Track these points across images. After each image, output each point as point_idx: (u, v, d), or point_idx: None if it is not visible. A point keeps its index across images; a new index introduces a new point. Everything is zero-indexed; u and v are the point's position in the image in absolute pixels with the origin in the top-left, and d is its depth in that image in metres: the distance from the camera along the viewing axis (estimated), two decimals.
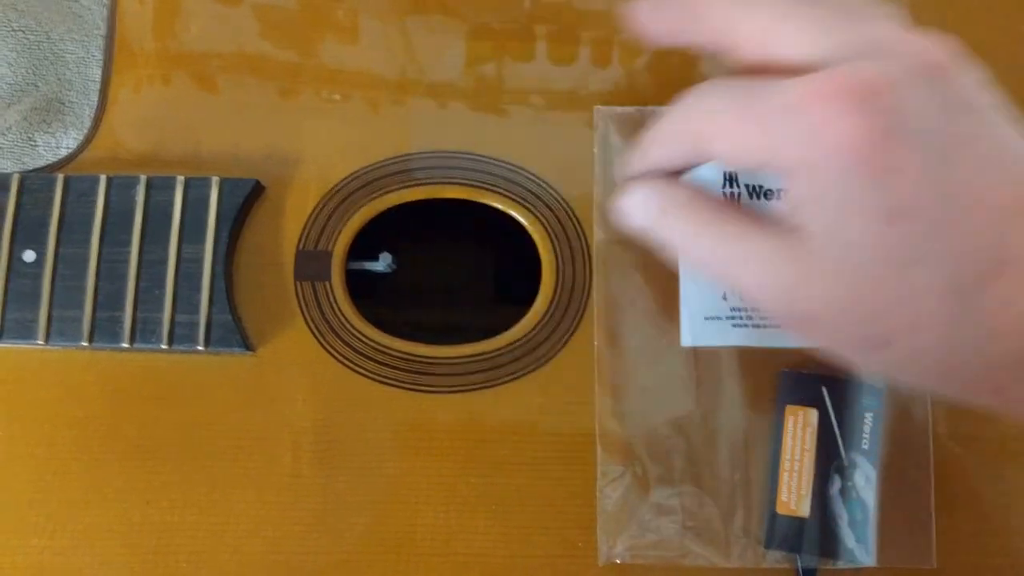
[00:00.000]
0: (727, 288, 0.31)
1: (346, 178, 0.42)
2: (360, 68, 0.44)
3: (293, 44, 0.44)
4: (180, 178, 0.40)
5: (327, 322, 0.40)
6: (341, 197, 0.42)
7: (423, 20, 0.45)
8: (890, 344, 0.27)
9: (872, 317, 0.26)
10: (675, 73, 0.44)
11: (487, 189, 0.42)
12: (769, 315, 0.29)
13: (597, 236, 0.41)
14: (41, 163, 0.55)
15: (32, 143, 0.55)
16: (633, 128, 0.42)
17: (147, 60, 0.44)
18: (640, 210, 0.31)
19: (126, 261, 0.40)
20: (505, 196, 0.42)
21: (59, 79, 0.57)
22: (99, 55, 0.57)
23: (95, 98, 0.57)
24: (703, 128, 0.29)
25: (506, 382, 0.40)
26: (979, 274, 0.25)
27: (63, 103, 0.56)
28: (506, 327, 0.41)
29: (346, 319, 0.40)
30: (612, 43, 0.45)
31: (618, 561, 0.38)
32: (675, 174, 0.31)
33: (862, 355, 0.28)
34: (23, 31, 0.57)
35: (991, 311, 0.25)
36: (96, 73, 0.57)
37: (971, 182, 0.25)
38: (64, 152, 0.55)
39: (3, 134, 0.55)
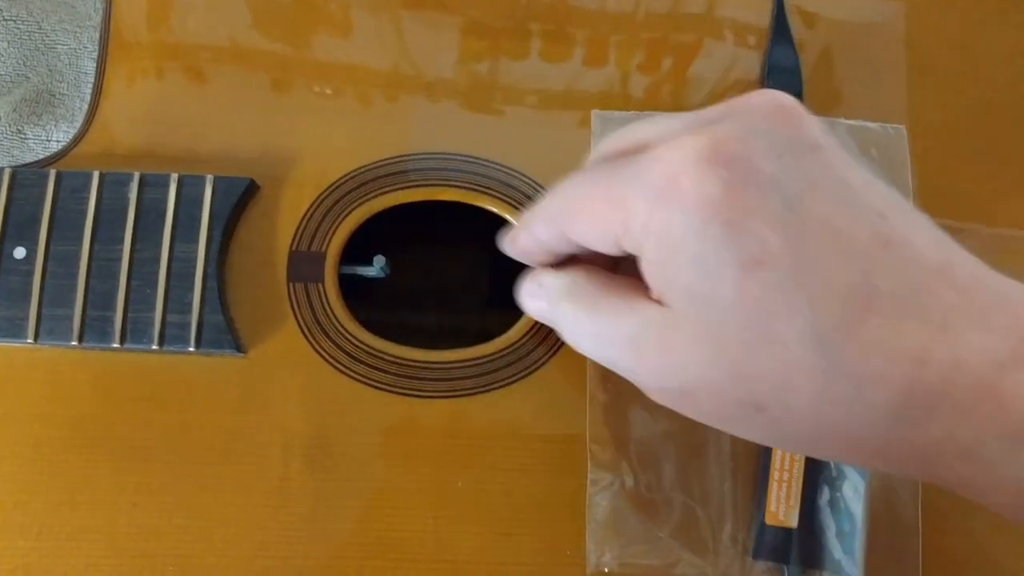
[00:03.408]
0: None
1: (341, 179, 0.42)
2: (357, 68, 0.44)
3: (290, 41, 0.44)
4: (174, 176, 0.40)
5: (319, 324, 0.40)
6: (336, 198, 0.42)
7: (420, 18, 0.44)
8: (764, 408, 0.25)
9: (741, 379, 0.25)
10: (670, 73, 0.44)
11: (483, 192, 0.42)
12: (650, 395, 0.29)
13: None
14: (31, 156, 0.54)
15: (22, 136, 0.55)
16: None
17: (142, 54, 0.44)
18: (530, 304, 0.32)
19: (118, 259, 0.39)
20: (501, 200, 0.42)
21: (50, 70, 0.56)
22: (91, 46, 0.56)
23: (86, 90, 0.56)
24: (565, 209, 0.29)
25: (498, 388, 0.40)
26: (842, 318, 0.24)
27: (54, 95, 0.56)
28: (499, 332, 0.41)
29: (339, 322, 0.40)
30: (608, 42, 0.45)
31: (606, 569, 0.38)
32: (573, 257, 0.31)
33: (742, 424, 0.27)
34: (14, 20, 0.57)
35: (861, 357, 0.24)
36: (88, 65, 0.56)
37: (825, 223, 0.24)
38: (54, 146, 0.55)
39: None
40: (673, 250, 0.25)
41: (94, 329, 0.39)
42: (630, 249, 0.27)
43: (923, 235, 0.25)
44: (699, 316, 0.25)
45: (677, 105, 0.44)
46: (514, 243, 0.33)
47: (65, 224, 0.40)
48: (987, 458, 0.23)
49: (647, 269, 0.27)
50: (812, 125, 0.26)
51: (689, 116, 0.28)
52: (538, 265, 0.33)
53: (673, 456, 0.39)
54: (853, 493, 0.38)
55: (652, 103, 0.44)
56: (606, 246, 0.28)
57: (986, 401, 0.23)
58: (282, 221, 0.42)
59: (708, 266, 0.24)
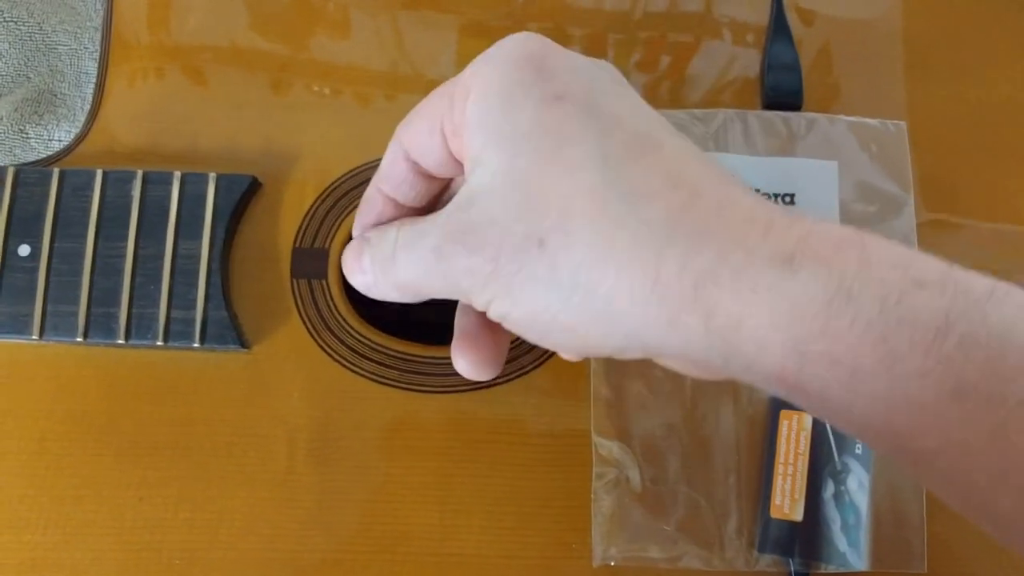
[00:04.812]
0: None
1: (343, 175, 0.42)
2: (358, 65, 0.44)
3: (291, 40, 0.44)
4: (177, 173, 0.40)
5: (323, 320, 0.40)
6: (338, 195, 0.42)
7: (420, 16, 0.45)
8: (545, 243, 0.25)
9: (528, 206, 0.26)
10: (667, 72, 0.45)
11: None
12: (444, 228, 0.28)
13: None
14: (33, 155, 0.54)
15: (24, 135, 0.55)
16: None
17: (143, 54, 0.44)
18: (359, 280, 0.31)
19: (122, 256, 0.39)
20: None
21: (51, 70, 0.56)
22: (92, 47, 0.56)
23: (88, 90, 0.56)
24: (404, 121, 0.30)
25: (502, 383, 0.40)
26: (629, 146, 0.25)
27: (55, 95, 0.56)
28: None
29: (342, 317, 0.40)
30: (606, 41, 0.45)
31: (612, 563, 0.38)
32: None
33: (533, 258, 0.26)
34: (15, 21, 0.57)
35: (641, 177, 0.25)
36: (89, 65, 0.57)
37: (620, 97, 0.27)
38: (56, 144, 0.55)
39: None
40: (486, 94, 0.27)
41: (99, 325, 0.39)
42: (454, 122, 0.28)
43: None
44: (500, 156, 0.26)
45: (676, 103, 0.44)
46: (377, 173, 0.32)
47: (69, 222, 0.40)
48: (761, 284, 0.23)
49: (466, 131, 0.27)
50: (573, 55, 0.28)
51: None
52: (395, 183, 0.32)
53: (677, 450, 0.39)
54: (857, 486, 0.38)
55: (651, 101, 0.44)
56: (434, 142, 0.29)
57: (755, 225, 0.24)
58: (285, 218, 0.42)
59: (515, 100, 0.26)
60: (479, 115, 0.27)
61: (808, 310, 0.23)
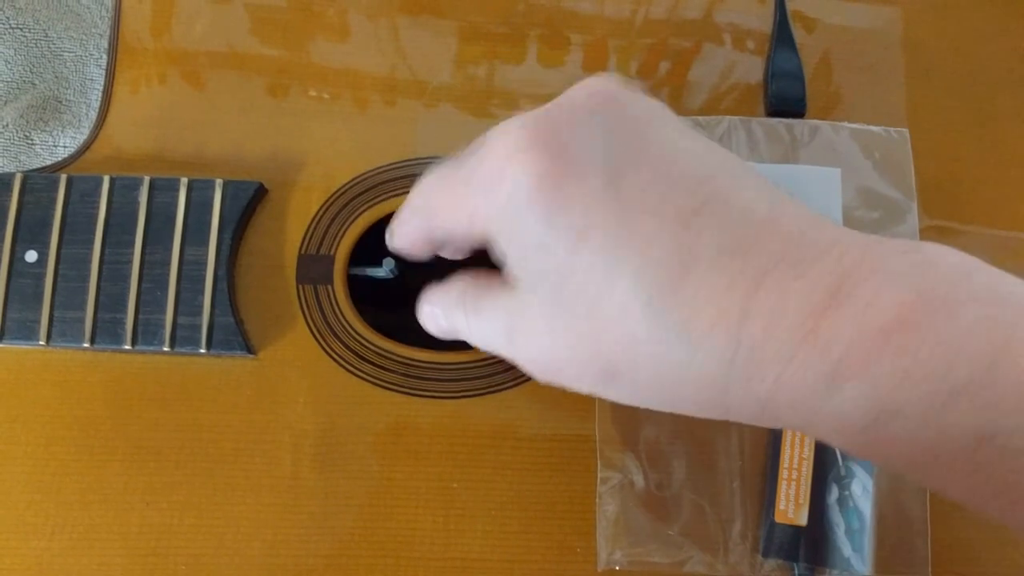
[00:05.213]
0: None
1: (349, 182, 0.42)
2: (363, 71, 0.44)
3: (297, 47, 0.44)
4: (184, 180, 0.40)
5: (328, 326, 0.40)
6: (344, 201, 0.42)
7: (428, 24, 0.45)
8: (619, 375, 0.27)
9: (592, 348, 0.27)
10: (668, 78, 0.45)
11: None
12: (536, 378, 0.30)
13: None
14: (38, 162, 0.54)
15: (29, 141, 0.55)
16: None
17: (150, 60, 0.44)
18: (431, 326, 0.34)
19: (129, 262, 0.39)
20: None
21: (56, 77, 0.57)
22: (97, 53, 0.57)
23: (93, 97, 0.56)
24: (423, 206, 0.31)
25: (507, 388, 0.40)
26: (665, 282, 0.25)
27: (60, 101, 0.56)
28: None
29: (348, 323, 0.41)
30: (607, 47, 0.45)
31: (617, 567, 0.38)
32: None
33: (607, 390, 0.28)
34: (20, 28, 0.57)
35: (690, 317, 0.25)
36: (94, 72, 0.57)
37: (643, 197, 0.25)
38: (61, 151, 0.55)
39: (0, 132, 0.55)
40: (510, 235, 0.27)
41: (106, 331, 0.39)
42: (481, 239, 0.29)
43: (750, 194, 0.26)
44: (546, 295, 0.27)
45: (676, 110, 0.44)
46: (393, 237, 0.34)
47: (76, 228, 0.40)
48: (812, 400, 0.24)
49: (499, 257, 0.28)
50: (635, 105, 0.28)
51: (528, 113, 0.29)
52: (419, 256, 0.34)
53: (682, 455, 0.39)
54: (862, 491, 0.38)
55: None
56: (464, 236, 0.30)
57: (804, 345, 0.24)
58: (291, 224, 0.42)
59: (542, 244, 0.26)
60: (513, 258, 0.28)
61: (854, 426, 0.24)
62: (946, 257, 0.24)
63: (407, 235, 0.33)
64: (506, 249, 0.28)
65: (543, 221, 0.26)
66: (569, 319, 0.27)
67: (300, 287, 0.41)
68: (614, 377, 0.27)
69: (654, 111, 0.28)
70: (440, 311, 0.34)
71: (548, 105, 0.28)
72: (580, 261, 0.26)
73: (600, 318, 0.26)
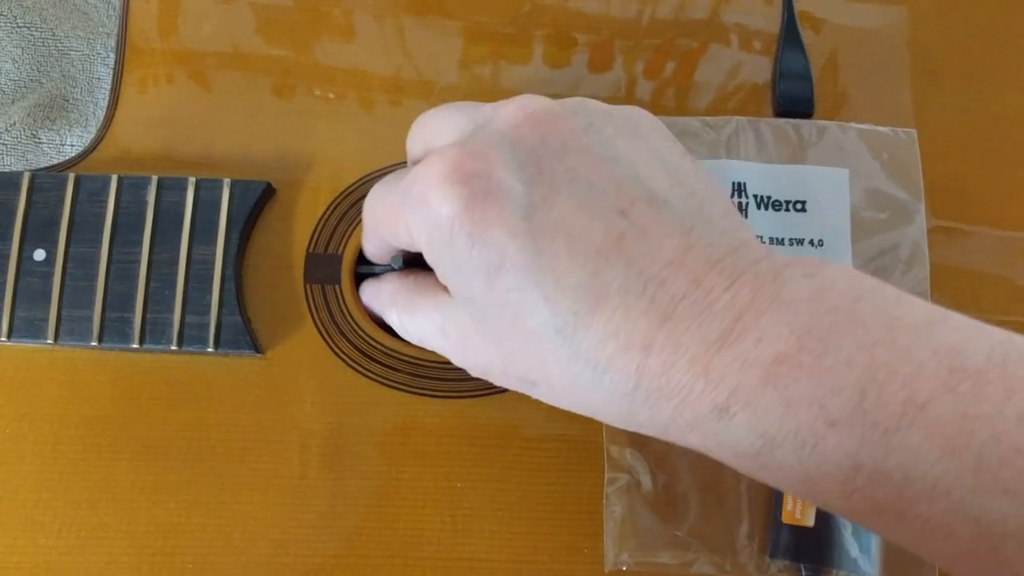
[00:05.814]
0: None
1: (357, 181, 0.42)
2: (370, 71, 0.44)
3: (304, 47, 0.44)
4: (191, 179, 0.41)
5: (336, 325, 0.40)
6: (352, 201, 0.42)
7: (434, 24, 0.45)
8: (536, 384, 0.30)
9: (512, 363, 0.29)
10: (674, 78, 0.45)
11: None
12: (471, 373, 0.33)
13: None
14: (45, 160, 0.54)
15: (36, 140, 0.55)
16: None
17: (158, 60, 0.44)
18: (371, 302, 0.39)
19: (136, 261, 0.40)
20: None
21: (63, 76, 0.57)
22: (104, 52, 0.57)
23: (100, 96, 0.56)
24: (370, 220, 0.34)
25: None
26: (576, 312, 0.26)
27: (67, 100, 0.56)
28: None
29: (355, 322, 0.41)
30: (612, 47, 0.45)
31: (624, 568, 0.38)
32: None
33: (530, 393, 0.31)
34: (28, 27, 0.57)
35: (597, 346, 0.26)
36: (101, 71, 0.57)
37: (559, 228, 0.27)
38: (68, 150, 0.55)
39: (7, 131, 0.55)
40: (437, 257, 0.29)
41: (113, 330, 0.39)
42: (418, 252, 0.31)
43: (664, 227, 0.27)
44: (473, 312, 0.30)
45: (682, 110, 0.44)
46: (364, 244, 0.38)
47: (84, 227, 0.40)
48: (708, 427, 0.26)
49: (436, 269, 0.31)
50: (562, 129, 0.28)
51: (463, 119, 0.30)
52: (390, 260, 0.38)
53: (689, 455, 0.39)
54: None
55: (657, 108, 0.44)
56: (408, 248, 0.32)
57: (700, 379, 0.25)
58: (298, 224, 0.42)
59: (463, 272, 0.28)
60: (442, 276, 0.30)
61: (746, 452, 0.26)
62: (838, 283, 0.26)
63: (371, 242, 0.37)
64: (435, 268, 0.30)
65: (462, 254, 0.27)
66: (494, 334, 0.29)
67: (308, 287, 0.41)
68: (534, 384, 0.30)
69: (592, 118, 0.29)
70: (375, 307, 0.38)
71: (486, 116, 0.29)
72: (496, 291, 0.27)
73: (518, 339, 0.28)
